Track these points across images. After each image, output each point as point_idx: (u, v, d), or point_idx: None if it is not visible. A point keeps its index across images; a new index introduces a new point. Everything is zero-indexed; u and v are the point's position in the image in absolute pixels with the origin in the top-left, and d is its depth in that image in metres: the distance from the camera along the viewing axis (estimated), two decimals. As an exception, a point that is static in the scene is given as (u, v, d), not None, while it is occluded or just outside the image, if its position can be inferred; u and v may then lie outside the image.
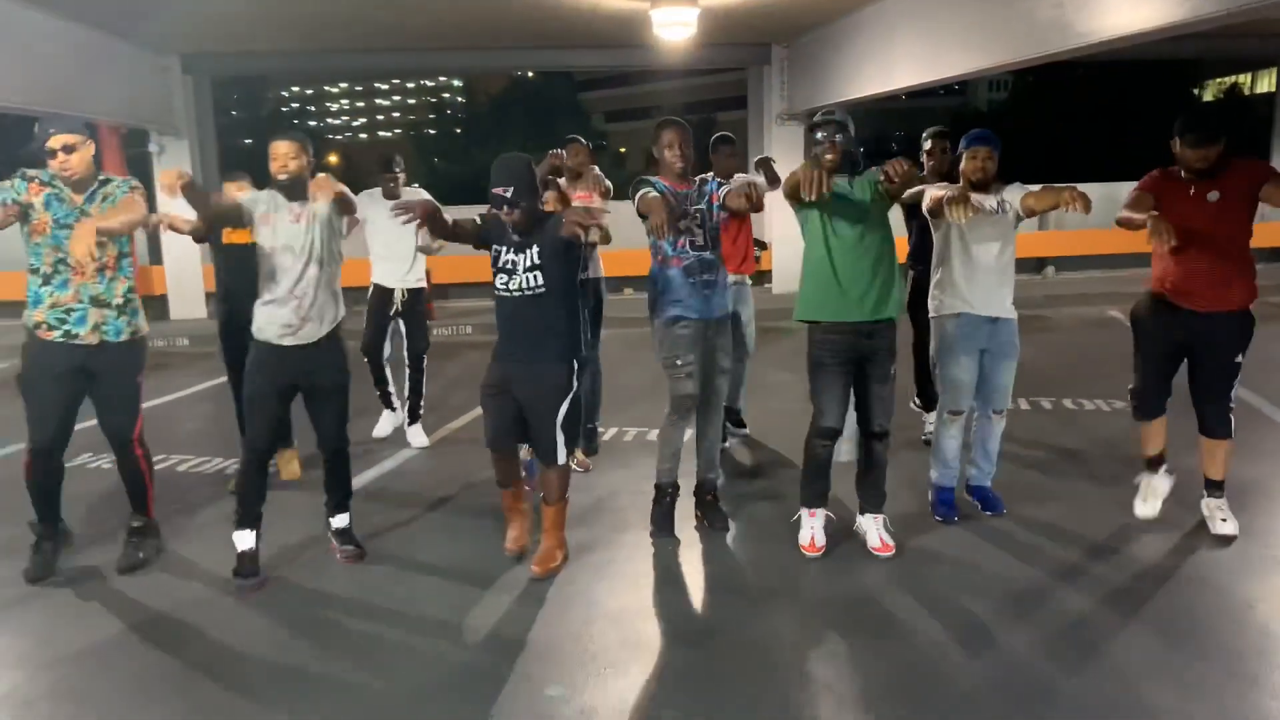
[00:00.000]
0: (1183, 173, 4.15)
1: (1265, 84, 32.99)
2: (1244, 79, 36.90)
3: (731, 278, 5.24)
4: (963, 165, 4.52)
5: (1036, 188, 4.35)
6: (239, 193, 4.51)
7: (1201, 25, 5.93)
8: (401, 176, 5.98)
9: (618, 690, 3.17)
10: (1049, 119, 33.90)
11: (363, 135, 77.02)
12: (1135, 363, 4.47)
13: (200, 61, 12.39)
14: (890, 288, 4.09)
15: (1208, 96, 38.41)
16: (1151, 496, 4.52)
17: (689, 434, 4.57)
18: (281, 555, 4.34)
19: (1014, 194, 4.37)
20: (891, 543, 4.22)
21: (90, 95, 10.20)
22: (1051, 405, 6.63)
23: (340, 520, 4.37)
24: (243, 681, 3.30)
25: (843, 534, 4.39)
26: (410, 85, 79.08)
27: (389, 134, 74.43)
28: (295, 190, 4.04)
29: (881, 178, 3.94)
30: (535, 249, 3.92)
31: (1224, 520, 4.30)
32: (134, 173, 12.06)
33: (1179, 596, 3.76)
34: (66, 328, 3.96)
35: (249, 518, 4.08)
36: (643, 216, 4.11)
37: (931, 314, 4.66)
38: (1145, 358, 4.42)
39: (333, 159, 52.11)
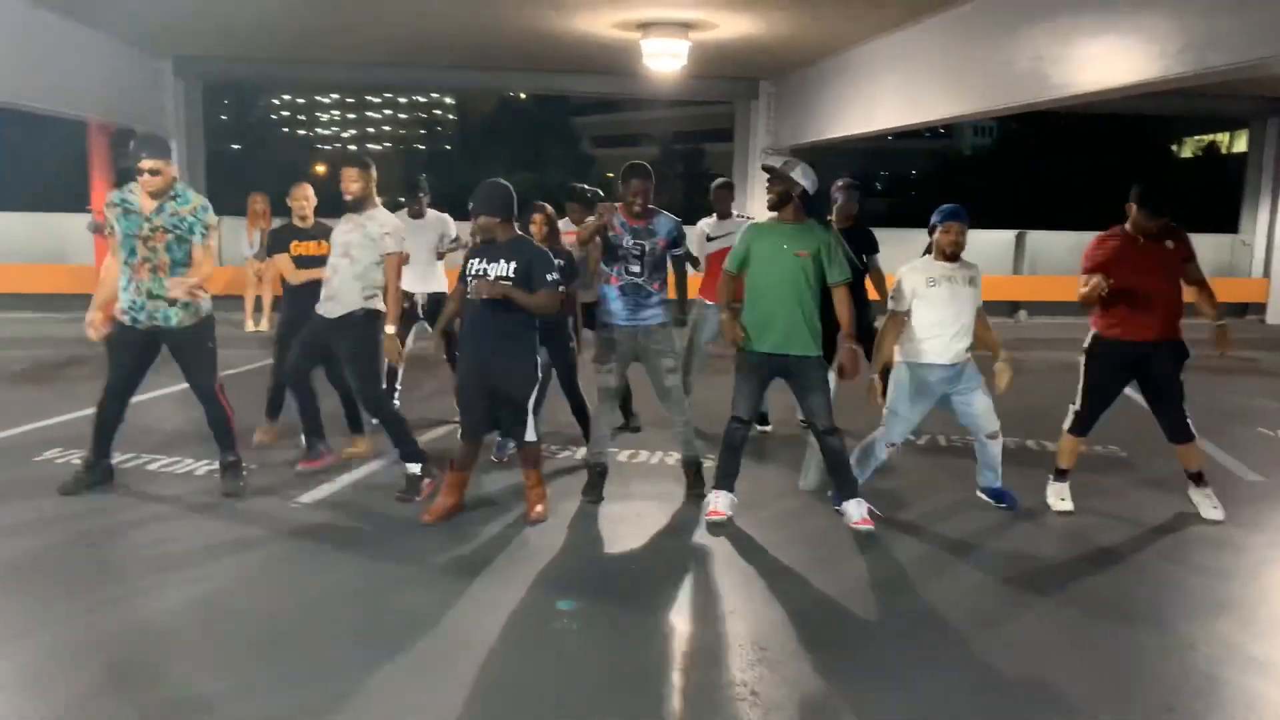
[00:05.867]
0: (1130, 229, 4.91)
1: (1242, 143, 33.72)
2: (1222, 137, 37.67)
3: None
4: (936, 237, 4.98)
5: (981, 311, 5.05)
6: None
7: (1172, 84, 6.16)
8: (426, 198, 6.78)
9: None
10: (1031, 166, 34.46)
11: (352, 146, 76.99)
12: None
13: (193, 64, 12.46)
14: (802, 327, 4.71)
15: (1186, 153, 39.19)
16: (1069, 496, 5.28)
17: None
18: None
19: (977, 278, 5.02)
20: (869, 518, 4.81)
21: (83, 93, 10.26)
22: (1015, 445, 6.74)
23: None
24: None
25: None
26: (402, 100, 79.35)
27: (378, 147, 74.51)
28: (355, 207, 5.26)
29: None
30: (512, 264, 4.65)
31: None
32: (120, 174, 12.12)
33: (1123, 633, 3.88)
34: (132, 313, 4.91)
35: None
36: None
37: (897, 357, 5.09)
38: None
39: (319, 169, 52.04)
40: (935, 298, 4.95)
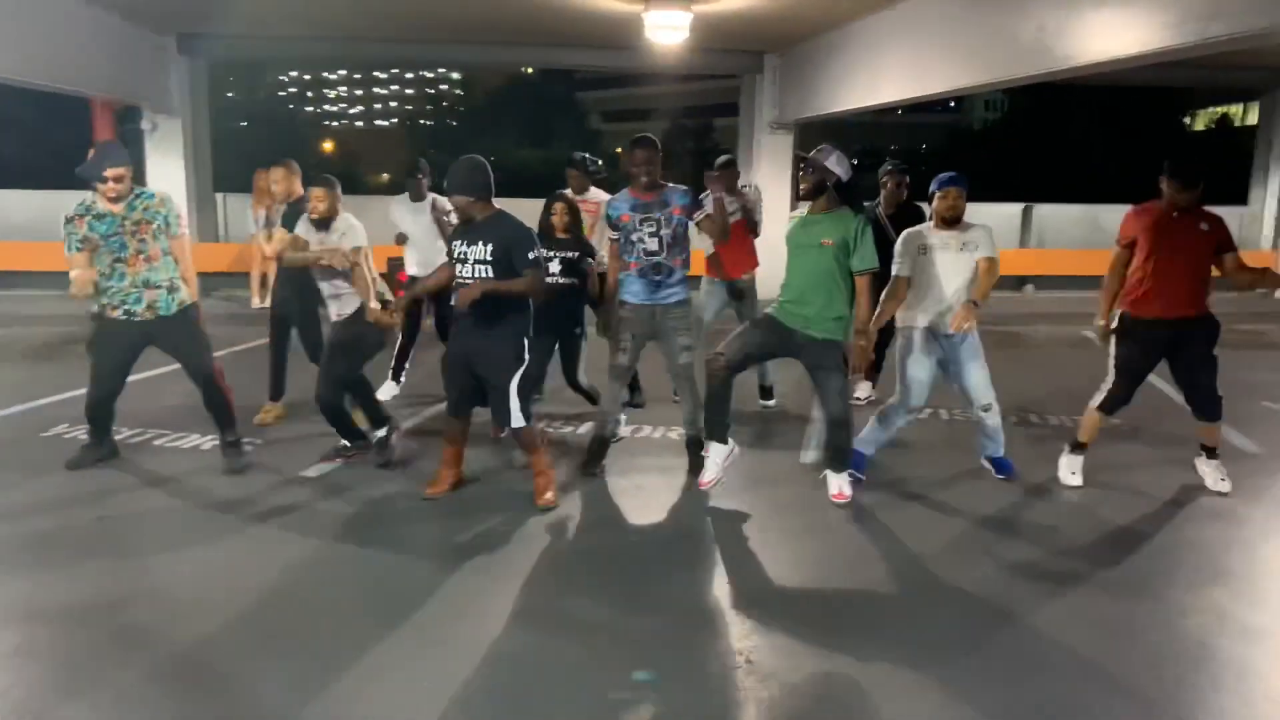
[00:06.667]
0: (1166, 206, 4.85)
1: (1255, 115, 33.39)
2: (1235, 110, 37.26)
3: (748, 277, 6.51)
4: (934, 204, 5.02)
5: (994, 255, 5.03)
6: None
7: (1177, 55, 6.10)
8: (426, 181, 6.68)
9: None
10: (1041, 139, 34.19)
11: (359, 123, 76.78)
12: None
13: (197, 42, 12.41)
14: (824, 315, 4.65)
15: (1199, 126, 38.80)
16: (1079, 471, 5.27)
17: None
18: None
19: (982, 240, 5.00)
20: (849, 493, 4.88)
21: (86, 70, 10.25)
22: (1017, 419, 6.75)
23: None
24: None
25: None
26: (409, 76, 78.94)
27: (385, 123, 74.28)
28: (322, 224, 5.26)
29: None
30: (490, 246, 4.55)
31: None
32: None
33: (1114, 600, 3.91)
34: (126, 307, 5.03)
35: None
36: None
37: (899, 324, 5.16)
38: None
39: (328, 146, 51.97)
40: (924, 266, 5.01)
